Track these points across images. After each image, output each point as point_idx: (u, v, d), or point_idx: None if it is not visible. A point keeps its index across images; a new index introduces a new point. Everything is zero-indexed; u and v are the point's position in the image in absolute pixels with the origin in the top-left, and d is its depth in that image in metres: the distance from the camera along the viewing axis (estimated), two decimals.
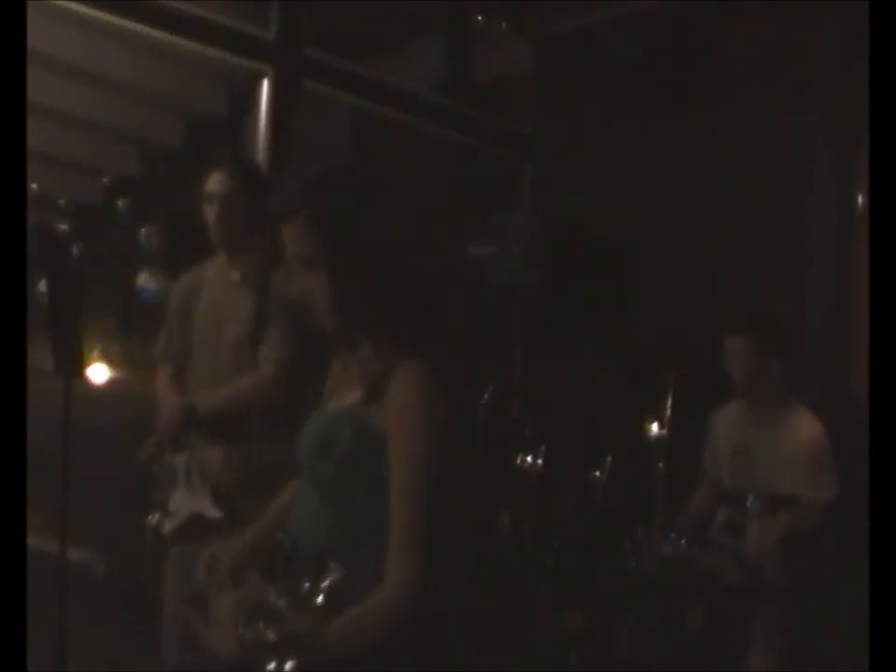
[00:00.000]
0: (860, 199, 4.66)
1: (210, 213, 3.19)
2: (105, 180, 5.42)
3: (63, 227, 2.93)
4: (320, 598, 1.52)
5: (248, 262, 3.18)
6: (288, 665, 1.51)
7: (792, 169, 4.76)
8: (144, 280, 5.39)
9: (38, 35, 2.99)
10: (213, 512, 3.09)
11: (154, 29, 4.31)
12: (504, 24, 5.71)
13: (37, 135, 2.85)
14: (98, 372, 4.80)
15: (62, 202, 4.83)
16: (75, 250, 2.85)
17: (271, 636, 1.52)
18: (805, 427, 3.65)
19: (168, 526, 3.14)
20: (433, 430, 1.70)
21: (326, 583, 1.52)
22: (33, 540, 1.82)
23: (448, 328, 1.82)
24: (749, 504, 3.34)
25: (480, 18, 5.65)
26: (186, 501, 3.14)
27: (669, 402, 3.33)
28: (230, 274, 3.22)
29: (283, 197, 1.85)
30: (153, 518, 3.17)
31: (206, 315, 3.26)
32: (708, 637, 3.34)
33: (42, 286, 2.90)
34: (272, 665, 1.51)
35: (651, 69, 5.17)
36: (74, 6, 4.10)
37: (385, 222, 1.82)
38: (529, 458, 3.85)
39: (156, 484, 3.24)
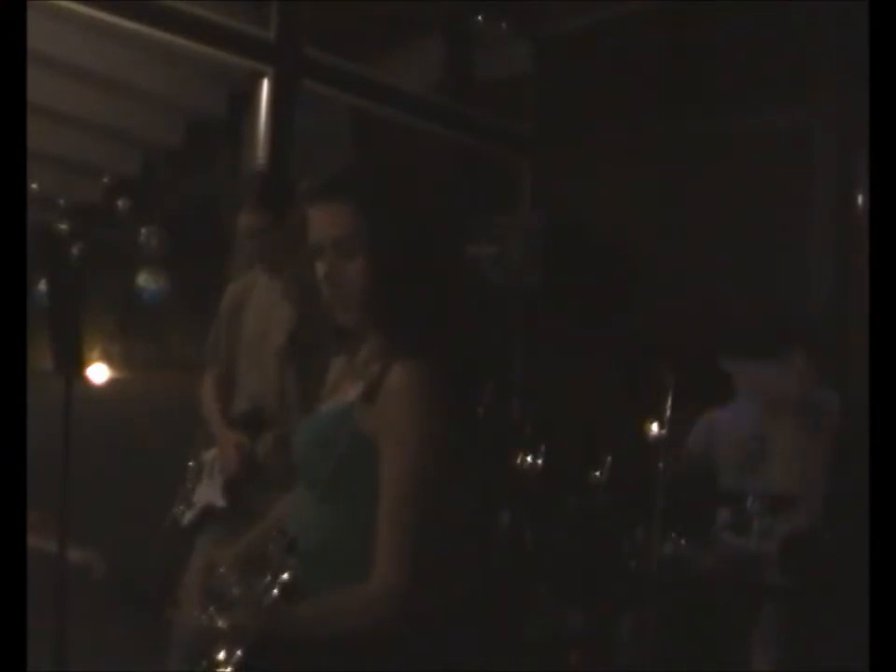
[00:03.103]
0: (860, 199, 4.66)
1: (247, 244, 3.28)
2: (105, 180, 5.42)
3: (63, 227, 2.94)
4: (275, 593, 1.51)
5: (289, 276, 3.23)
6: (237, 654, 1.51)
7: (792, 169, 4.76)
8: (144, 280, 5.40)
9: (38, 35, 3.00)
10: (220, 502, 3.15)
11: (154, 29, 4.31)
12: (504, 24, 5.71)
13: (37, 135, 2.85)
14: (98, 372, 4.80)
15: (62, 202, 4.83)
16: (75, 250, 2.85)
17: (220, 622, 1.52)
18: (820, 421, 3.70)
19: (188, 517, 3.20)
20: (425, 431, 1.69)
21: (283, 578, 1.52)
22: (32, 539, 1.82)
23: (448, 328, 1.81)
24: (749, 504, 3.34)
25: (480, 18, 5.65)
26: (204, 492, 3.20)
27: (669, 402, 3.33)
28: (275, 285, 3.28)
29: (326, 179, 1.82)
30: (178, 510, 3.23)
31: (254, 321, 3.33)
32: (709, 637, 3.34)
33: (42, 286, 2.90)
34: (221, 654, 1.51)
35: (650, 69, 5.18)
36: (74, 6, 4.10)
37: (416, 217, 1.82)
38: (529, 458, 3.85)
39: (188, 479, 3.29)
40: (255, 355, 3.29)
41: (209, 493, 3.21)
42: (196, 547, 3.17)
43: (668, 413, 3.33)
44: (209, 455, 3.28)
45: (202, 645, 1.57)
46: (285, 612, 1.58)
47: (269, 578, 1.51)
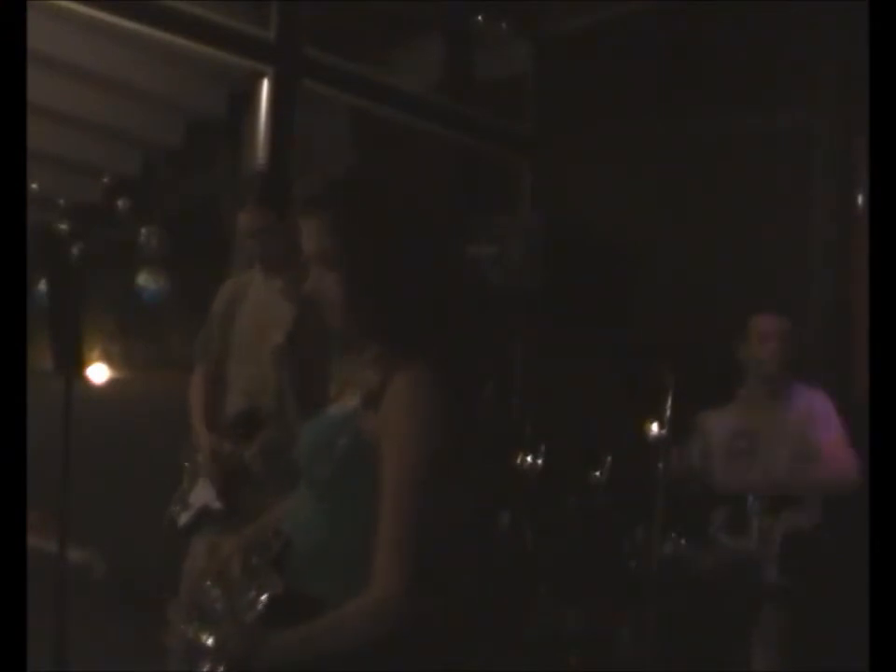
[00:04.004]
0: (860, 199, 4.66)
1: (247, 244, 3.28)
2: (105, 180, 5.42)
3: (63, 227, 2.94)
4: (258, 609, 1.51)
5: (289, 276, 3.22)
6: (221, 670, 1.50)
7: (792, 169, 4.76)
8: (144, 280, 5.41)
9: (38, 35, 3.00)
10: (216, 503, 3.14)
11: (154, 29, 4.31)
12: (504, 24, 5.71)
13: (37, 135, 2.86)
14: (98, 372, 4.80)
15: (62, 202, 4.83)
16: (75, 250, 2.85)
17: (204, 637, 1.51)
18: (806, 396, 3.71)
19: (183, 518, 3.19)
20: (427, 437, 1.69)
21: (265, 596, 1.51)
22: (32, 539, 1.82)
23: (448, 328, 1.81)
24: (749, 504, 3.35)
25: (480, 18, 5.65)
26: (200, 494, 3.20)
27: (669, 402, 3.33)
28: (274, 284, 3.27)
29: (305, 194, 1.84)
30: (174, 510, 3.22)
31: (250, 320, 3.32)
32: (709, 637, 3.34)
33: (42, 286, 2.90)
34: (206, 667, 1.51)
35: (650, 69, 5.17)
36: (74, 6, 4.10)
37: (400, 224, 1.82)
38: (529, 458, 3.85)
39: (184, 479, 3.29)
40: (251, 353, 3.28)
41: (205, 494, 3.20)
42: (193, 548, 3.16)
43: (668, 413, 3.33)
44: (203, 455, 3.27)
45: (187, 658, 1.57)
46: (283, 637, 1.58)
47: (253, 593, 1.51)
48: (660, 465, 3.33)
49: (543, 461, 3.85)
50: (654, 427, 3.36)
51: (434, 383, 1.70)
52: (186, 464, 3.32)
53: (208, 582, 1.56)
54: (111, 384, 4.97)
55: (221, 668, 1.50)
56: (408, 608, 1.64)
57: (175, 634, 1.62)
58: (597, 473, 3.67)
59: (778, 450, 3.68)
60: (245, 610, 1.51)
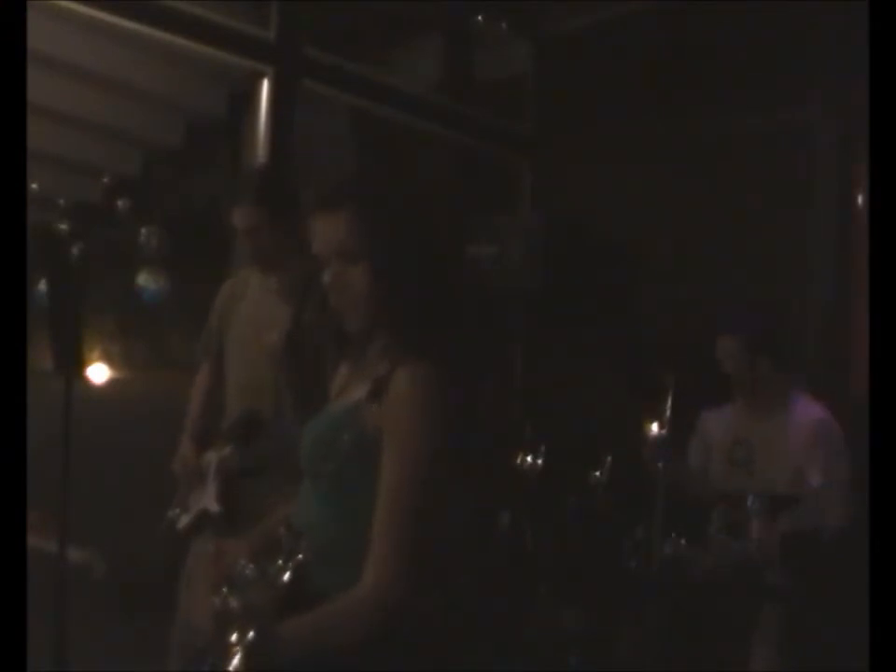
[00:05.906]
0: (860, 199, 4.66)
1: (242, 242, 3.29)
2: (105, 180, 5.41)
3: (63, 227, 2.94)
4: (287, 575, 1.53)
5: (285, 275, 3.22)
6: (249, 637, 1.51)
7: (792, 169, 4.76)
8: (144, 280, 5.40)
9: (38, 35, 2.99)
10: (215, 507, 3.14)
11: (154, 29, 4.31)
12: (504, 24, 5.71)
13: (37, 135, 2.85)
14: (98, 372, 4.80)
15: (62, 202, 4.83)
16: (75, 250, 2.85)
17: (233, 603, 1.53)
18: (809, 414, 3.70)
19: (183, 521, 3.20)
20: (430, 431, 1.70)
21: (298, 558, 1.53)
22: (32, 539, 1.82)
23: (450, 328, 1.82)
24: (749, 504, 3.34)
25: (480, 18, 5.65)
26: (199, 497, 3.19)
27: (669, 402, 3.33)
28: (269, 283, 3.27)
29: (328, 190, 1.84)
30: (174, 513, 3.22)
31: (246, 320, 3.32)
32: (709, 637, 3.34)
33: (42, 286, 2.90)
34: (234, 636, 1.52)
35: (650, 69, 5.17)
36: (74, 6, 4.10)
37: (417, 220, 1.84)
38: (529, 458, 3.84)
39: (183, 483, 3.29)
40: (248, 353, 3.29)
41: (204, 498, 3.20)
42: (193, 549, 3.17)
43: (668, 413, 3.33)
44: (205, 458, 3.27)
45: (212, 628, 1.57)
46: (282, 630, 1.58)
47: (281, 561, 1.53)
48: (660, 465, 3.33)
49: (543, 461, 3.84)
50: (654, 427, 3.36)
51: (438, 378, 1.71)
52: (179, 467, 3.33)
53: (247, 567, 1.57)
54: (111, 384, 4.97)
55: (250, 634, 1.51)
56: (400, 599, 1.65)
57: (200, 604, 1.64)
58: (597, 473, 3.66)
59: (775, 464, 3.67)
60: (276, 575, 1.52)
